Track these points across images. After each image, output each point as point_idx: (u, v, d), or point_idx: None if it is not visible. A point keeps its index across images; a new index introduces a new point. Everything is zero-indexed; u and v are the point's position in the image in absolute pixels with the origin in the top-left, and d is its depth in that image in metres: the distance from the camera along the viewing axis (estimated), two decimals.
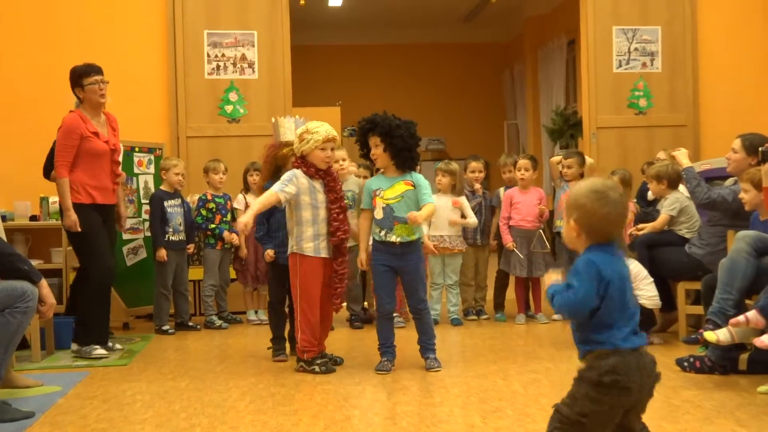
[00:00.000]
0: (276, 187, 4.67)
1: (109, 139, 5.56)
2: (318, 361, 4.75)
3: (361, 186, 6.23)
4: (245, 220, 4.59)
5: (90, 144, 5.39)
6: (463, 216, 6.40)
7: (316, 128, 4.74)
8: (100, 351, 5.36)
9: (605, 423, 2.42)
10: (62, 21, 7.29)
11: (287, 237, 4.90)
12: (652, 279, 5.32)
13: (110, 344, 5.58)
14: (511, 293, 6.66)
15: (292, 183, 4.68)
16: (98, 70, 5.48)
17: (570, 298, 2.43)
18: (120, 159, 5.69)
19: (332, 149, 4.79)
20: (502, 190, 6.75)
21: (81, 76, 5.43)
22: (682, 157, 5.45)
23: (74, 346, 5.46)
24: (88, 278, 5.43)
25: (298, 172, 4.72)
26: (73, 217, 5.29)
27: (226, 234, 6.64)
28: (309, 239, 4.72)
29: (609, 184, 2.50)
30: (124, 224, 5.87)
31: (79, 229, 5.31)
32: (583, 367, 2.45)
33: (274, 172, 5.13)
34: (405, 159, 4.75)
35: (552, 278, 2.56)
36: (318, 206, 4.74)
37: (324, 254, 4.76)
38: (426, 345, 4.83)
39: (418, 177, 4.81)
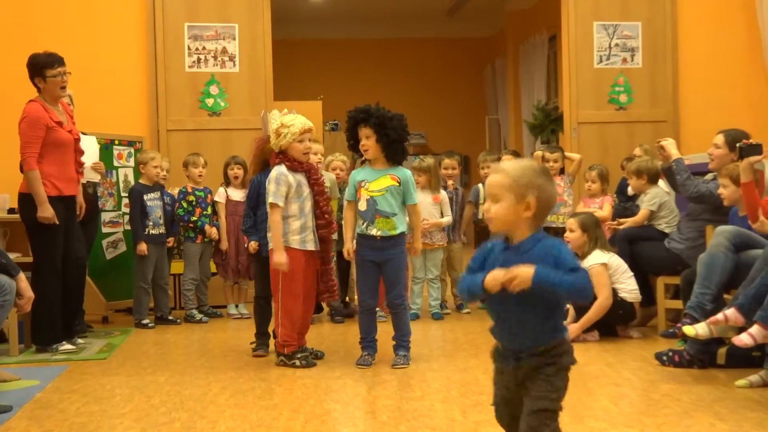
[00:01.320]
0: (271, 198, 4.63)
1: (72, 128, 5.47)
2: (298, 356, 4.74)
3: (333, 180, 6.24)
4: (282, 260, 4.59)
5: (56, 134, 5.28)
6: (442, 214, 6.45)
7: (291, 121, 4.73)
8: (66, 346, 5.31)
9: None
10: (41, 13, 7.23)
11: None
12: (632, 273, 5.35)
13: (74, 339, 5.52)
14: None
15: (282, 184, 4.65)
16: (61, 61, 5.32)
17: (585, 278, 2.33)
18: (80, 148, 5.59)
19: (310, 140, 4.79)
20: (481, 186, 6.75)
21: (43, 67, 5.27)
22: (671, 147, 5.41)
23: (34, 347, 5.36)
24: (39, 278, 5.23)
25: (282, 168, 4.70)
26: (50, 209, 5.19)
27: (206, 227, 6.62)
28: (295, 232, 4.71)
29: (543, 165, 2.56)
30: (82, 213, 5.68)
31: (57, 222, 5.24)
32: (556, 356, 2.39)
33: (262, 166, 5.12)
34: (396, 152, 4.75)
35: (523, 267, 2.35)
36: (303, 199, 4.74)
37: (310, 247, 4.75)
38: (400, 341, 4.81)
39: (405, 173, 4.79)
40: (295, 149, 4.72)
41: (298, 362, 4.71)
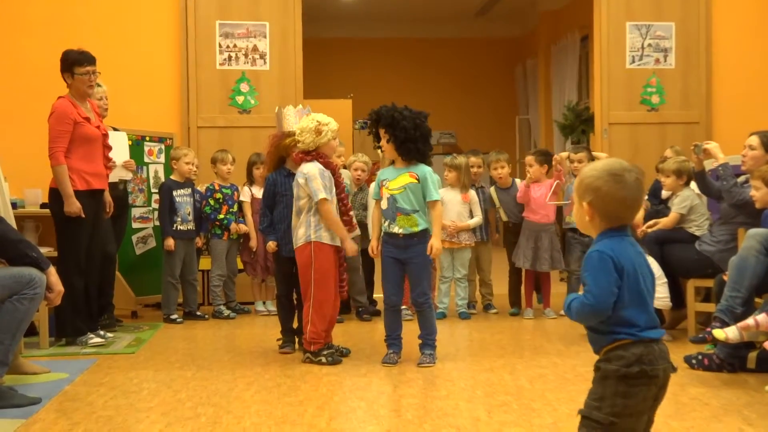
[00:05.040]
0: (323, 194, 4.71)
1: (99, 124, 5.55)
2: (324, 353, 4.75)
3: (351, 178, 6.29)
4: (355, 247, 4.85)
5: (83, 129, 5.35)
6: (471, 213, 6.44)
7: (327, 120, 4.83)
8: (96, 339, 5.37)
9: (638, 417, 2.28)
10: (76, 12, 7.32)
11: (288, 230, 4.92)
12: (666, 280, 5.28)
13: (101, 332, 5.56)
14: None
15: (326, 178, 4.76)
16: (91, 60, 5.39)
17: (588, 300, 2.26)
18: (108, 143, 5.65)
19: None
20: (492, 189, 6.72)
21: (73, 64, 5.35)
22: (718, 151, 5.32)
23: (64, 340, 5.40)
24: (62, 273, 5.16)
25: (318, 164, 4.77)
26: (76, 204, 5.25)
27: (233, 225, 6.64)
28: (326, 227, 4.75)
29: (625, 165, 2.35)
30: (111, 211, 5.74)
31: (83, 216, 5.30)
32: (602, 362, 2.30)
33: (278, 164, 5.15)
34: (408, 150, 4.72)
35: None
36: (332, 196, 4.81)
37: (338, 242, 4.83)
38: (425, 340, 4.80)
39: (424, 170, 4.78)
40: (330, 147, 4.84)
41: (324, 359, 4.72)
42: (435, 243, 4.73)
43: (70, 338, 5.37)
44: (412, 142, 4.70)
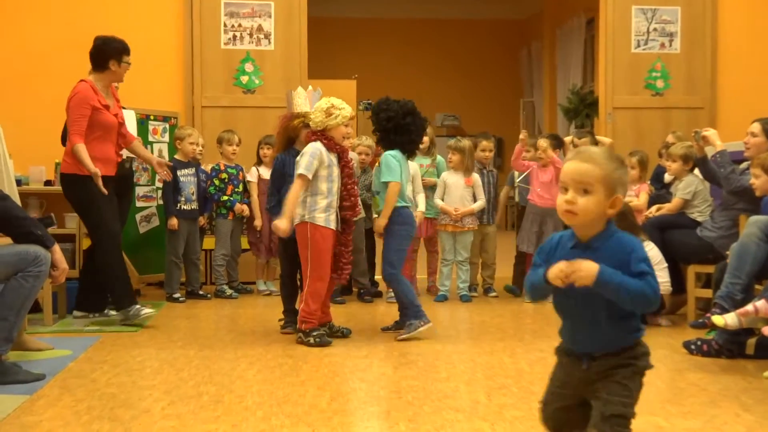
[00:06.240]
0: (301, 170, 4.70)
1: (117, 112, 5.57)
2: (314, 333, 4.77)
3: (356, 159, 6.37)
4: (284, 227, 4.64)
5: (101, 116, 5.36)
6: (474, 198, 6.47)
7: (342, 105, 4.88)
8: (146, 310, 5.37)
9: None
10: None
11: None
12: (666, 265, 5.30)
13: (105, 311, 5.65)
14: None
15: (315, 158, 4.74)
16: None
17: (653, 286, 2.18)
18: (125, 131, 5.67)
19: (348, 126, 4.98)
20: (515, 172, 6.76)
21: (122, 52, 5.45)
22: (715, 137, 5.34)
23: (112, 313, 5.58)
24: (100, 247, 5.39)
25: (318, 144, 4.78)
26: (98, 170, 5.27)
27: (237, 206, 6.66)
28: (321, 210, 4.77)
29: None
30: (162, 167, 5.74)
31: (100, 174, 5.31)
32: (631, 359, 2.26)
33: (286, 144, 5.18)
34: (381, 139, 5.21)
35: (588, 262, 2.18)
36: (332, 179, 4.81)
37: (333, 226, 4.82)
38: (401, 313, 5.08)
39: (386, 155, 5.10)
40: (339, 132, 4.85)
41: (312, 340, 4.73)
42: (378, 221, 5.14)
43: (121, 309, 5.37)
44: (384, 132, 5.12)
